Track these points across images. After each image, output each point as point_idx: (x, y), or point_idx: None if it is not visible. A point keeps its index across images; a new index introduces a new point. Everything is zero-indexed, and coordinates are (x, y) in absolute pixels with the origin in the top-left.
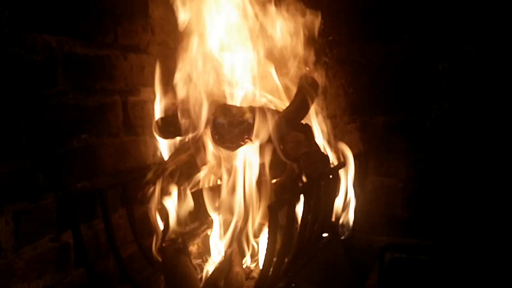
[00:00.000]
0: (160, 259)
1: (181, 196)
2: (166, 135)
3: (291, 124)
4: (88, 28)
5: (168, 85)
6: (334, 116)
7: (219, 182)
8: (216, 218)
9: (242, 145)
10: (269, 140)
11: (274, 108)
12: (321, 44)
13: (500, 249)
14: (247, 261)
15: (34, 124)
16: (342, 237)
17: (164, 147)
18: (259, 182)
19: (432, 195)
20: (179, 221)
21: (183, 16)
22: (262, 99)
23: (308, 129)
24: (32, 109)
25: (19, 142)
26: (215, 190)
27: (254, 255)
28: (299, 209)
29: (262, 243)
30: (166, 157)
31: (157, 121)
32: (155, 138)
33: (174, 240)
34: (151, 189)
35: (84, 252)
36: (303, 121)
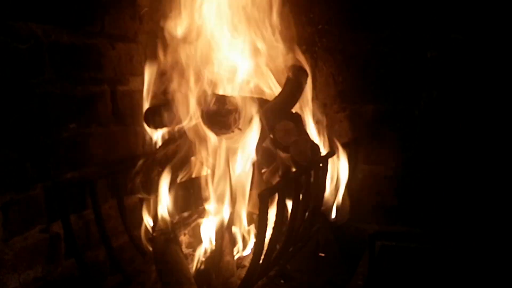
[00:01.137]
0: (151, 249)
1: (171, 186)
2: (155, 125)
3: (280, 113)
4: (75, 17)
5: (157, 74)
6: (324, 105)
7: (209, 171)
8: (206, 207)
9: (231, 133)
10: (259, 129)
11: (264, 97)
12: (311, 33)
13: (488, 236)
14: (238, 250)
15: (21, 114)
16: (335, 224)
17: (154, 137)
18: (249, 171)
19: (421, 183)
20: (169, 211)
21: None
22: (252, 88)
23: (297, 118)
24: (19, 98)
25: (6, 131)
26: (205, 179)
27: (245, 244)
28: (290, 197)
29: (253, 231)
30: (156, 147)
31: (146, 111)
32: (145, 127)
33: (164, 229)
34: (141, 179)
35: (74, 243)
36: (292, 110)
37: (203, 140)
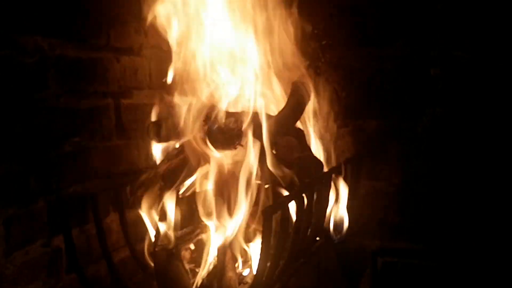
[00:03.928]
0: (152, 264)
1: (173, 201)
2: (159, 139)
3: (283, 128)
4: (81, 31)
5: (162, 88)
6: (327, 120)
7: (211, 186)
8: (209, 222)
9: (233, 150)
10: (262, 144)
11: (267, 112)
12: (314, 48)
13: (491, 253)
14: (240, 266)
15: (25, 128)
16: (336, 241)
17: (157, 151)
18: (253, 187)
19: (424, 200)
20: (171, 226)
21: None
22: (256, 103)
23: (300, 134)
24: (23, 112)
25: (10, 145)
26: (208, 194)
27: (247, 260)
28: (293, 213)
29: (255, 248)
30: (158, 161)
31: (150, 125)
32: (148, 141)
33: (166, 244)
34: (144, 193)
35: (75, 257)
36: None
37: (206, 155)
